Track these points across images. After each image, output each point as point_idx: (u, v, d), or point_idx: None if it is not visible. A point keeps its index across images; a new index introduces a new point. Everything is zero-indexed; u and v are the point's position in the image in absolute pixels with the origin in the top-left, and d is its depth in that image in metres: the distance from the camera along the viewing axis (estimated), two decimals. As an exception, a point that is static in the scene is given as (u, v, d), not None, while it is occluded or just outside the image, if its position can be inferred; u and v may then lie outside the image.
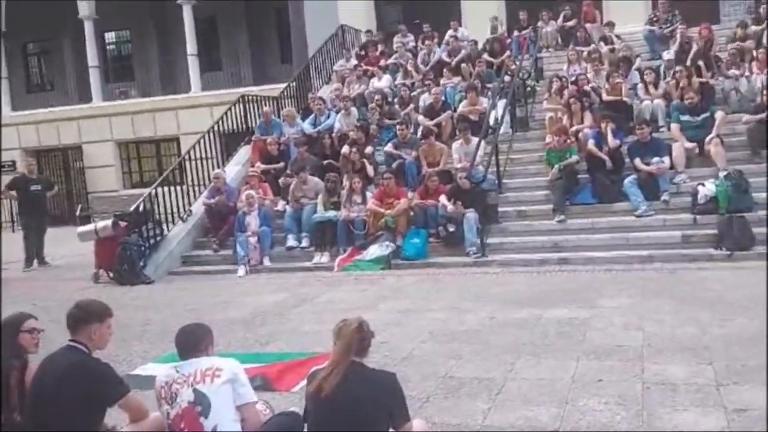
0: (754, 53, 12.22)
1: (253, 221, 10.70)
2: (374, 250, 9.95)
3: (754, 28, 13.27)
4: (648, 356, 5.16)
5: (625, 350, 5.35)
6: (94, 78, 20.80)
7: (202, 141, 12.59)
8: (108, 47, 24.30)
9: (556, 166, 10.27)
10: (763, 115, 10.22)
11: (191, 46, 19.84)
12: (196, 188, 12.25)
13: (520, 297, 7.52)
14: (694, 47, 12.77)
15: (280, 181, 11.87)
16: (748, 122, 10.43)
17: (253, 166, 12.48)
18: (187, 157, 12.48)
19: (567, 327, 6.14)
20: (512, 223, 10.21)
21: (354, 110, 13.25)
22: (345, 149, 11.70)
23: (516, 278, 8.63)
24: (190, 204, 11.87)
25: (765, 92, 10.60)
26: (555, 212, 9.96)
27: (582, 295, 7.38)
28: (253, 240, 10.54)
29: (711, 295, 6.88)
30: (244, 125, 13.79)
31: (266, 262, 10.54)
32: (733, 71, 11.97)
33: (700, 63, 12.02)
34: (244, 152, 13.40)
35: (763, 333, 5.40)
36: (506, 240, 9.93)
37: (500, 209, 10.35)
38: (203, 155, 12.48)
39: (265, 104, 13.99)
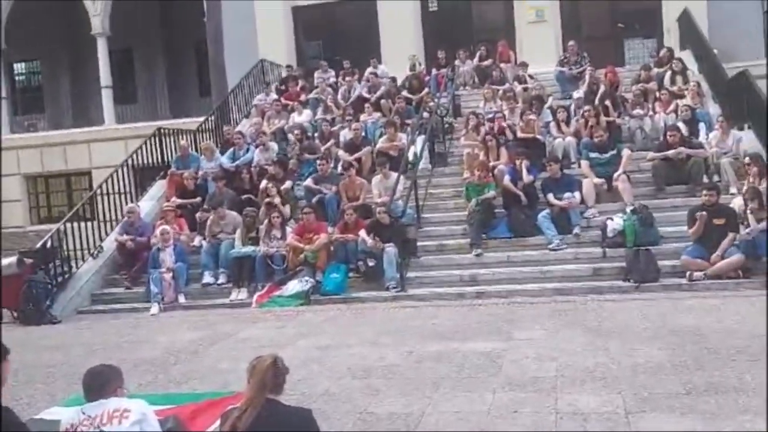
0: (657, 94, 12.93)
1: (167, 257, 10.41)
2: (293, 286, 9.83)
3: (656, 70, 14.06)
4: (561, 387, 5.26)
5: (540, 381, 5.44)
6: (3, 110, 19.94)
7: (115, 175, 12.23)
8: (17, 78, 23.40)
9: (474, 200, 10.46)
10: (666, 153, 10.75)
11: (105, 78, 19.37)
12: (108, 224, 11.84)
13: (439, 330, 7.55)
14: (602, 88, 13.39)
15: (197, 216, 11.63)
16: (652, 159, 10.96)
17: (168, 200, 12.19)
18: (99, 191, 12.08)
19: (484, 359, 6.20)
20: (431, 257, 10.31)
21: (273, 145, 13.18)
22: (264, 184, 11.59)
23: (435, 312, 8.66)
24: (101, 240, 11.45)
25: (668, 131, 11.16)
26: (472, 246, 10.13)
27: (498, 327, 7.48)
28: (167, 277, 10.24)
29: (620, 326, 7.10)
30: (159, 159, 13.48)
31: (181, 299, 10.25)
32: (638, 111, 12.60)
33: (607, 103, 12.59)
34: (159, 186, 13.08)
35: (668, 362, 5.63)
36: (425, 274, 10.01)
37: (419, 243, 10.44)
38: (116, 189, 12.12)
39: (182, 138, 13.74)
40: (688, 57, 14.47)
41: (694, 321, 7.02)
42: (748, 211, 8.75)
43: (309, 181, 11.72)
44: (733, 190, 9.94)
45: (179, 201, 12.04)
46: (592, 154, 11.08)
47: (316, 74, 16.50)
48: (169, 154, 13.53)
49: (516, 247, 10.14)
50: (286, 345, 7.22)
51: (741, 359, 5.54)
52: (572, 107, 12.99)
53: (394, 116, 13.50)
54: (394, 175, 11.05)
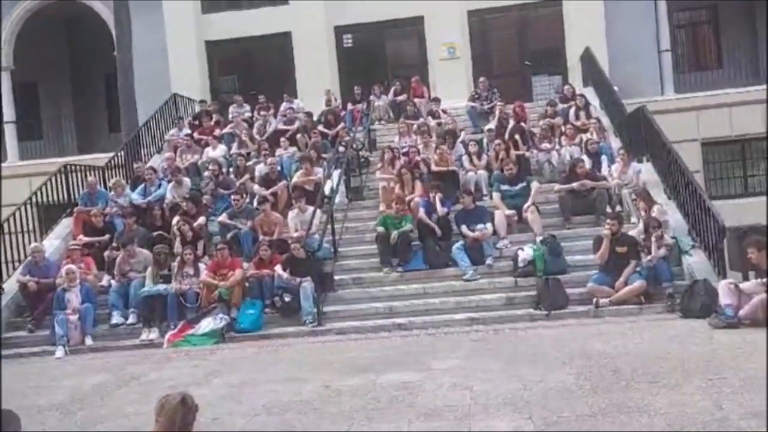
0: (563, 129, 13.47)
1: (73, 298, 9.97)
2: (207, 324, 9.60)
3: (561, 106, 14.67)
4: (475, 414, 5.33)
5: (454, 410, 5.49)
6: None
7: (18, 213, 11.70)
8: None
9: (395, 232, 10.51)
10: (572, 185, 11.19)
11: (8, 113, 18.59)
12: (11, 264, 11.28)
13: (356, 364, 7.53)
14: (511, 123, 13.86)
15: (105, 254, 11.22)
16: (559, 191, 11.37)
17: (75, 239, 11.72)
18: (1, 230, 11.49)
19: (400, 391, 6.22)
20: (348, 291, 10.30)
21: (187, 180, 12.93)
22: (176, 220, 11.32)
23: (352, 345, 8.66)
24: (2, 281, 10.88)
25: (573, 164, 11.62)
26: (383, 264, 10.34)
27: (415, 358, 7.53)
28: (73, 318, 9.80)
29: (531, 352, 7.28)
30: (66, 196, 12.98)
31: (88, 341, 9.82)
32: (546, 145, 13.09)
33: (517, 137, 13.02)
34: (65, 225, 12.58)
35: (576, 385, 5.81)
36: (343, 308, 9.98)
37: (336, 277, 10.42)
38: (19, 228, 11.57)
39: (90, 174, 13.29)
40: (590, 93, 15.18)
41: (601, 345, 7.27)
42: (653, 239, 9.16)
43: (223, 217, 11.54)
44: (633, 219, 10.41)
45: (86, 239, 11.60)
46: (503, 187, 11.40)
47: (230, 109, 16.37)
48: (76, 191, 13.05)
49: (432, 279, 10.26)
50: (200, 384, 7.04)
51: (643, 381, 5.76)
52: (484, 141, 13.36)
53: (310, 151, 13.51)
54: (311, 209, 11.03)
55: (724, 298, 7.64)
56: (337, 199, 12.04)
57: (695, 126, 15.97)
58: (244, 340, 9.41)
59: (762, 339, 6.87)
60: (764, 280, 7.39)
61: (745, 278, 8.05)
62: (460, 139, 13.56)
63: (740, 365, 6.00)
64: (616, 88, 14.49)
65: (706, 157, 16.36)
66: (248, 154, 14.12)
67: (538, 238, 10.28)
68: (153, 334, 9.76)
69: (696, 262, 9.20)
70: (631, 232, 9.63)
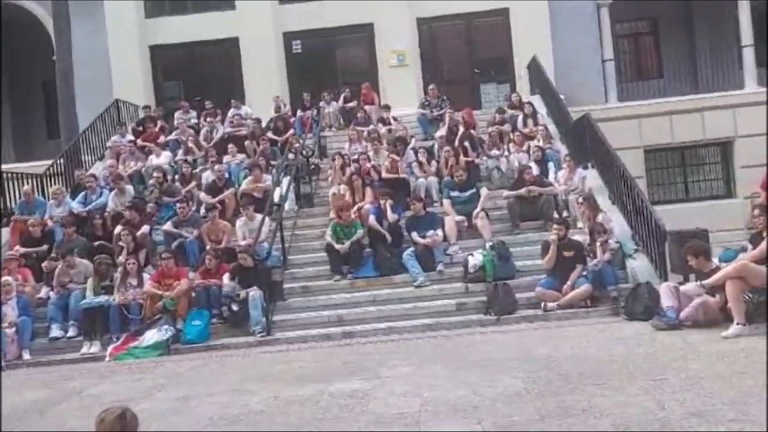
0: (511, 136, 13.64)
1: (9, 311, 9.59)
2: (151, 336, 9.35)
3: (510, 113, 14.86)
4: (424, 421, 5.29)
5: (404, 417, 5.44)
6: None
7: (-50, 223, 11.24)
8: None
9: (347, 243, 10.46)
10: (520, 191, 11.32)
11: (-57, 120, 17.92)
12: (-57, 276, 10.78)
13: (306, 373, 7.43)
14: (461, 129, 13.97)
15: (44, 265, 10.83)
16: (507, 197, 11.49)
17: (11, 249, 11.30)
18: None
19: (350, 399, 6.14)
20: (298, 300, 10.19)
21: (129, 188, 12.63)
22: (118, 229, 11.03)
23: (302, 355, 8.54)
24: (-67, 294, 10.38)
25: (521, 170, 11.76)
26: (333, 272, 10.36)
27: (366, 366, 7.46)
28: (9, 332, 9.42)
29: (481, 358, 7.29)
30: (1, 205, 12.52)
31: (25, 355, 9.46)
32: (495, 151, 13.23)
33: (466, 144, 13.12)
34: (2, 235, 12.12)
35: (524, 389, 5.85)
36: (292, 317, 9.87)
37: (286, 286, 10.30)
38: (-48, 239, 11.12)
39: (27, 182, 12.85)
40: (537, 101, 15.41)
41: (549, 349, 7.33)
42: (598, 244, 9.32)
43: (168, 225, 11.30)
44: (580, 224, 10.58)
45: (23, 250, 11.19)
46: (453, 193, 11.47)
47: (176, 115, 16.10)
48: (13, 200, 12.61)
49: (382, 286, 10.23)
50: (143, 398, 6.84)
51: (590, 383, 5.82)
52: (435, 148, 13.41)
53: (259, 158, 13.37)
54: (259, 217, 10.89)
55: (666, 301, 7.80)
56: (287, 207, 11.92)
57: (638, 133, 16.37)
58: (190, 352, 9.20)
59: (701, 339, 7.05)
60: (704, 282, 7.56)
61: (686, 280, 8.23)
62: (410, 146, 13.60)
63: (681, 366, 6.11)
64: (562, 96, 14.75)
65: (648, 164, 16.78)
66: (194, 161, 13.90)
67: (488, 244, 10.35)
68: (94, 348, 9.48)
69: (639, 265, 9.40)
70: (577, 237, 9.78)
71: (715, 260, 8.20)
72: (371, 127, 14.81)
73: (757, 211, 7.73)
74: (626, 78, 19.17)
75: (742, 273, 7.20)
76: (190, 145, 14.38)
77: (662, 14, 19.13)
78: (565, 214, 11.04)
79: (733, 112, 16.35)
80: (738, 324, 7.05)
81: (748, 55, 17.07)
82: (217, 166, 12.76)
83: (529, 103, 14.90)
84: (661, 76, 19.16)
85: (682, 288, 7.88)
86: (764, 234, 7.40)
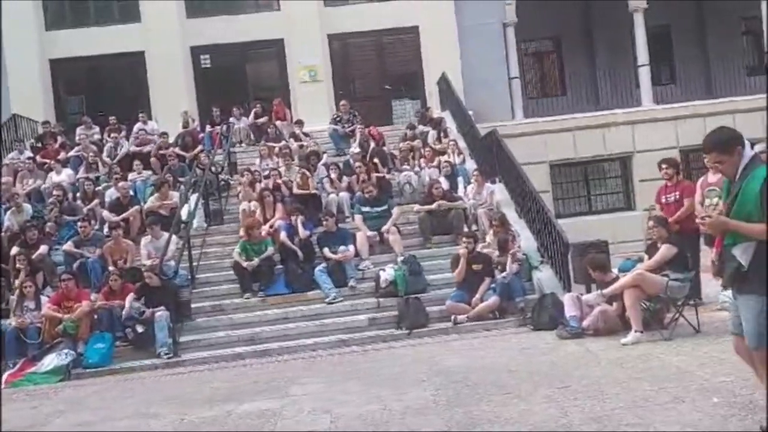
0: (422, 151, 13.84)
1: None
2: (51, 360, 8.91)
3: (421, 128, 15.09)
4: (333, 438, 5.25)
5: (313, 435, 5.39)
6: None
7: None
8: None
9: (256, 260, 10.31)
10: (431, 206, 11.47)
11: None
12: None
13: (214, 394, 7.25)
14: (372, 145, 14.06)
15: (-66, 289, 10.17)
16: (418, 212, 11.63)
17: None
18: None
19: (258, 419, 6.03)
20: (207, 319, 9.96)
21: (27, 206, 12.04)
22: (15, 250, 10.48)
23: (211, 375, 8.34)
24: None
25: (431, 185, 11.92)
26: (243, 290, 10.18)
27: (276, 385, 7.36)
28: None
29: (392, 372, 7.31)
30: None
31: None
32: (406, 167, 13.37)
33: (376, 160, 13.21)
34: None
35: (433, 401, 5.90)
36: (201, 336, 9.63)
37: (194, 305, 10.06)
38: None
39: None
40: (447, 117, 15.72)
41: (458, 361, 7.44)
42: (509, 255, 9.54)
43: (69, 245, 10.84)
44: (488, 238, 10.80)
45: None
46: (365, 208, 11.50)
47: (78, 131, 15.50)
48: None
49: (294, 303, 10.14)
50: (41, 426, 6.53)
51: (496, 393, 5.93)
52: (350, 162, 13.44)
53: (166, 174, 13.03)
54: (166, 234, 10.59)
55: (569, 310, 8.06)
56: (195, 224, 11.65)
57: (544, 148, 16.90)
58: (92, 377, 8.83)
59: (602, 347, 7.32)
60: (603, 291, 7.87)
61: (588, 290, 8.54)
62: (322, 162, 13.58)
63: (583, 373, 6.31)
64: (470, 112, 15.12)
65: (554, 178, 17.36)
66: (97, 178, 13.41)
67: (399, 259, 10.43)
68: (-12, 375, 8.93)
69: (544, 277, 9.68)
70: (486, 251, 9.98)
71: (615, 270, 8.56)
72: (283, 142, 14.72)
73: (651, 223, 8.10)
74: (532, 95, 19.87)
75: (638, 282, 7.52)
76: (93, 161, 13.85)
77: (565, 34, 19.95)
78: (474, 227, 11.26)
79: (632, 128, 17.14)
80: (636, 331, 7.36)
81: (645, 74, 17.99)
82: (121, 183, 12.36)
83: (440, 118, 15.17)
84: (564, 94, 19.94)
85: (583, 297, 8.17)
86: (659, 245, 7.76)
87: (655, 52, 18.50)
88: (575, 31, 19.82)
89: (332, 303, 10.00)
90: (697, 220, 4.15)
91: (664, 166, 8.85)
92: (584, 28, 19.96)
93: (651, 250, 7.95)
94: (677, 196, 8.64)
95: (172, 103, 16.67)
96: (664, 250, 7.59)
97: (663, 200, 8.87)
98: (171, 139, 14.89)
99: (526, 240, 10.47)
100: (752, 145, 4.15)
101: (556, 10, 18.69)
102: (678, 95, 18.50)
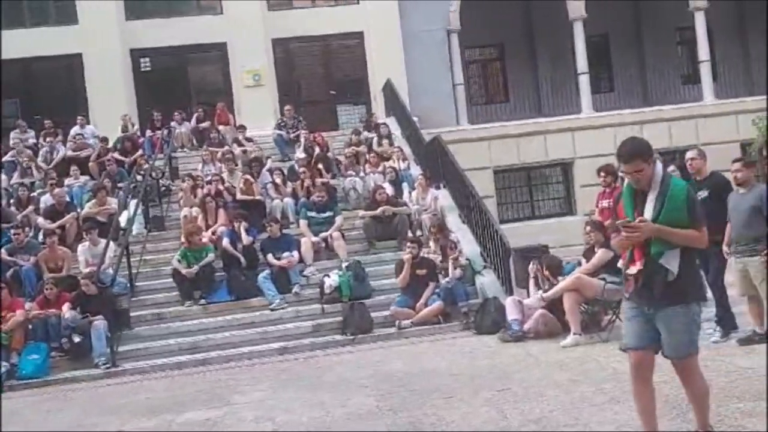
0: (367, 157, 13.85)
1: None
2: (-18, 372, 8.57)
3: (366, 134, 15.10)
4: (275, 447, 5.20)
5: (254, 444, 5.33)
6: None
7: None
8: None
9: (196, 267, 10.15)
10: (376, 211, 11.48)
11: None
12: None
13: (154, 405, 7.12)
14: (317, 150, 14.00)
15: None
16: (363, 217, 11.63)
17: None
18: None
19: (200, 429, 5.98)
20: (147, 328, 9.78)
21: (-44, 214, 11.59)
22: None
23: (150, 385, 8.19)
24: None
25: (376, 191, 11.93)
26: (184, 298, 10.05)
27: (218, 394, 7.27)
28: None
29: (336, 378, 7.30)
30: None
31: None
32: (351, 172, 13.36)
33: (320, 166, 13.16)
34: None
35: (376, 407, 5.91)
36: (140, 346, 9.43)
37: (133, 314, 9.85)
38: None
39: None
40: (392, 123, 15.77)
41: (402, 366, 7.47)
42: (450, 261, 9.62)
43: (2, 253, 10.45)
44: (432, 243, 10.86)
45: None
46: (310, 213, 11.44)
47: (12, 135, 14.98)
48: None
49: (237, 310, 10.02)
50: (-32, 443, 6.25)
51: (439, 397, 5.98)
52: (296, 167, 13.35)
53: (104, 179, 12.72)
54: (103, 241, 10.32)
55: (511, 314, 8.19)
56: (135, 231, 11.41)
57: (488, 154, 17.11)
58: (27, 388, 8.57)
59: (542, 350, 7.45)
60: (543, 295, 8.01)
61: (529, 294, 8.67)
62: (266, 167, 13.44)
63: (523, 376, 6.42)
64: (415, 118, 15.21)
65: (497, 184, 17.59)
66: (32, 183, 12.99)
67: (344, 264, 10.40)
68: None
69: (487, 281, 9.80)
70: (430, 256, 10.04)
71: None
72: (226, 147, 14.53)
73: (588, 227, 8.28)
74: (476, 102, 20.10)
75: (577, 285, 7.70)
76: (28, 166, 13.41)
77: (508, 42, 20.27)
78: (418, 233, 11.31)
79: (572, 135, 17.52)
80: (575, 334, 7.53)
81: (584, 82, 18.41)
82: (57, 190, 12.00)
83: (385, 124, 15.22)
84: (507, 100, 20.24)
85: (525, 301, 8.30)
86: (596, 249, 7.94)
87: (594, 61, 18.98)
88: (518, 39, 20.16)
89: (276, 310, 9.91)
90: (623, 233, 3.78)
91: (602, 174, 9.06)
92: (526, 37, 20.32)
93: (588, 254, 8.14)
94: (611, 203, 8.82)
95: (110, 106, 16.24)
96: (601, 254, 7.77)
97: (600, 205, 9.09)
98: (110, 144, 14.52)
99: (469, 245, 10.57)
100: None
101: (499, 19, 18.99)
102: (616, 103, 19.03)
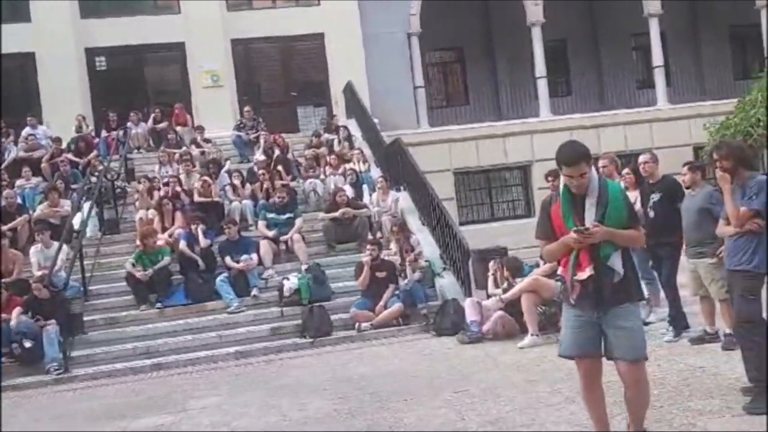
0: (328, 159, 13.78)
1: None
2: (-74, 380, 8.28)
3: (326, 136, 15.04)
4: (230, 452, 5.13)
5: (209, 450, 5.24)
6: None
7: None
8: None
9: (150, 270, 9.98)
10: (336, 213, 11.43)
11: None
12: None
13: (108, 410, 7.00)
14: (277, 152, 13.89)
15: None
16: (323, 219, 11.57)
17: None
18: None
19: (153, 436, 5.83)
20: (101, 332, 9.58)
21: None
22: None
23: (105, 391, 8.03)
24: None
25: (336, 193, 11.89)
26: (140, 302, 9.89)
27: (173, 399, 7.15)
28: None
29: (294, 382, 7.23)
30: None
31: None
32: (311, 174, 13.28)
33: (280, 168, 13.06)
34: None
35: (334, 410, 5.87)
36: (94, 351, 9.24)
37: (87, 318, 9.65)
38: None
39: None
40: (353, 125, 15.73)
41: (362, 369, 7.44)
42: (407, 263, 9.64)
43: (-51, 256, 10.12)
44: (392, 245, 10.87)
45: None
46: (270, 215, 11.35)
47: (-40, 135, 14.52)
48: None
49: (194, 313, 9.89)
50: None
51: (397, 399, 5.96)
52: (255, 168, 13.21)
53: (57, 181, 12.42)
54: (56, 244, 10.07)
55: (470, 315, 8.23)
56: (89, 233, 11.18)
57: (448, 157, 17.19)
58: (-26, 395, 8.28)
59: (500, 351, 7.50)
60: (502, 296, 8.07)
61: (488, 293, 8.72)
62: (224, 169, 13.29)
63: (481, 377, 6.45)
64: (376, 120, 15.18)
65: (458, 186, 17.69)
66: (-18, 185, 12.58)
67: (303, 267, 10.33)
68: None
69: (447, 283, 9.83)
70: (391, 258, 10.04)
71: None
72: (183, 149, 14.32)
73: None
74: (436, 104, 20.19)
75: (534, 287, 7.77)
76: (-25, 167, 13.04)
77: (468, 45, 20.41)
78: (379, 235, 11.30)
79: (531, 138, 17.72)
80: (532, 335, 7.59)
81: (543, 86, 18.64)
82: (6, 191, 11.67)
83: (345, 126, 15.18)
84: (467, 103, 20.37)
85: (483, 303, 8.35)
86: (553, 250, 8.01)
87: (552, 65, 19.21)
88: (478, 42, 20.32)
89: (234, 313, 9.81)
90: (573, 235, 3.72)
91: (550, 178, 9.18)
92: (486, 40, 20.49)
93: (546, 255, 8.20)
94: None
95: (65, 106, 15.84)
96: (558, 256, 7.84)
97: (552, 209, 9.18)
98: (64, 145, 14.19)
99: (429, 247, 10.60)
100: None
101: (459, 22, 19.12)
102: (574, 106, 19.30)
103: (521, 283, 7.94)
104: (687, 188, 6.69)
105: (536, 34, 18.38)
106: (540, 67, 18.48)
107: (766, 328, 4.81)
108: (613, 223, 3.78)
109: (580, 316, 3.85)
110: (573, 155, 3.78)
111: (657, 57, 18.90)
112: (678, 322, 7.11)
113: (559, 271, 3.94)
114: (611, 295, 3.77)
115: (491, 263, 8.62)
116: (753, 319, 4.78)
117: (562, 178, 3.92)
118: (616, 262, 3.77)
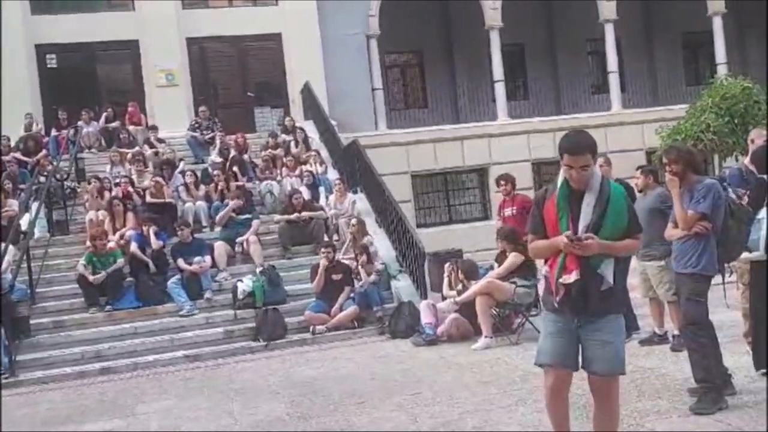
0: (284, 160, 13.66)
1: None
2: None
3: (283, 137, 14.90)
4: (178, 458, 5.02)
5: (157, 456, 5.12)
6: None
7: None
8: None
9: (103, 272, 9.74)
10: (291, 216, 11.33)
11: None
12: None
13: (55, 416, 6.83)
14: (232, 153, 13.71)
15: None
16: (278, 222, 11.46)
17: None
18: None
19: (99, 442, 5.67)
20: (48, 336, 9.30)
21: None
22: None
23: (52, 395, 7.80)
24: None
25: (292, 195, 11.79)
26: (89, 304, 9.67)
27: (122, 404, 7.00)
28: None
29: (246, 385, 7.13)
30: None
31: None
32: (268, 176, 13.15)
33: (235, 169, 12.90)
34: None
35: (286, 414, 5.80)
36: (41, 355, 8.97)
37: (33, 321, 9.34)
38: None
39: None
40: (310, 126, 15.62)
41: (315, 372, 7.38)
42: (360, 266, 9.59)
43: None
44: (349, 247, 10.81)
45: None
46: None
47: None
48: None
49: (145, 317, 9.67)
50: None
51: (351, 402, 5.92)
52: (210, 169, 13.02)
53: (5, 180, 12.04)
54: (2, 245, 9.75)
55: (425, 318, 8.23)
56: (37, 234, 10.87)
57: (405, 159, 17.22)
58: None
59: (454, 353, 7.51)
60: (456, 299, 8.09)
61: (443, 294, 8.74)
62: (178, 170, 13.05)
63: (435, 380, 6.45)
64: (334, 122, 15.11)
65: (415, 189, 17.73)
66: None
67: (258, 269, 10.21)
68: None
69: (403, 286, 9.82)
70: (345, 260, 9.98)
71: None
72: (136, 149, 14.03)
73: (498, 237, 8.42)
74: (395, 107, 20.22)
75: (488, 289, 7.81)
76: None
77: (427, 48, 20.49)
78: (335, 237, 11.24)
79: (488, 141, 17.86)
80: (486, 337, 7.62)
81: (500, 90, 18.79)
82: (-50, 192, 11.28)
83: (302, 128, 15.06)
84: (426, 106, 20.47)
85: (438, 305, 8.36)
86: (507, 253, 8.07)
87: (510, 69, 19.40)
88: (436, 45, 20.42)
89: (186, 316, 9.63)
90: (564, 239, 3.50)
91: (502, 182, 9.26)
92: (445, 44, 20.60)
93: (500, 258, 8.27)
94: (514, 211, 9.03)
95: (13, 104, 15.33)
96: (512, 259, 7.92)
97: (503, 214, 9.27)
98: (12, 143, 13.79)
99: (385, 249, 10.58)
100: None
101: (418, 25, 19.18)
102: (530, 110, 19.54)
103: (476, 286, 7.97)
104: (639, 192, 6.80)
105: (494, 38, 18.54)
106: (498, 71, 18.62)
107: (712, 330, 4.91)
108: (611, 227, 3.57)
109: (559, 322, 3.65)
110: (578, 143, 3.54)
111: (612, 62, 19.24)
112: (628, 323, 7.20)
113: (545, 271, 3.71)
114: (596, 303, 3.56)
115: (446, 265, 8.65)
116: (699, 321, 4.86)
117: (561, 171, 3.63)
118: (607, 270, 3.57)
